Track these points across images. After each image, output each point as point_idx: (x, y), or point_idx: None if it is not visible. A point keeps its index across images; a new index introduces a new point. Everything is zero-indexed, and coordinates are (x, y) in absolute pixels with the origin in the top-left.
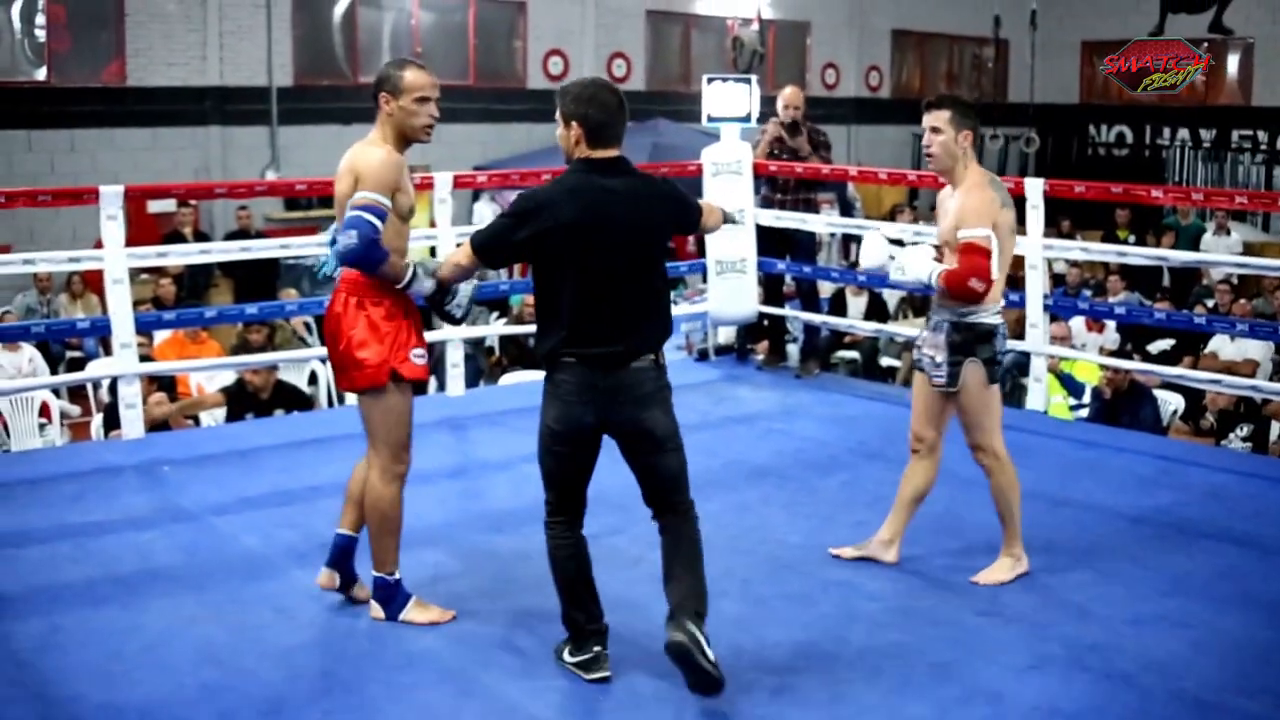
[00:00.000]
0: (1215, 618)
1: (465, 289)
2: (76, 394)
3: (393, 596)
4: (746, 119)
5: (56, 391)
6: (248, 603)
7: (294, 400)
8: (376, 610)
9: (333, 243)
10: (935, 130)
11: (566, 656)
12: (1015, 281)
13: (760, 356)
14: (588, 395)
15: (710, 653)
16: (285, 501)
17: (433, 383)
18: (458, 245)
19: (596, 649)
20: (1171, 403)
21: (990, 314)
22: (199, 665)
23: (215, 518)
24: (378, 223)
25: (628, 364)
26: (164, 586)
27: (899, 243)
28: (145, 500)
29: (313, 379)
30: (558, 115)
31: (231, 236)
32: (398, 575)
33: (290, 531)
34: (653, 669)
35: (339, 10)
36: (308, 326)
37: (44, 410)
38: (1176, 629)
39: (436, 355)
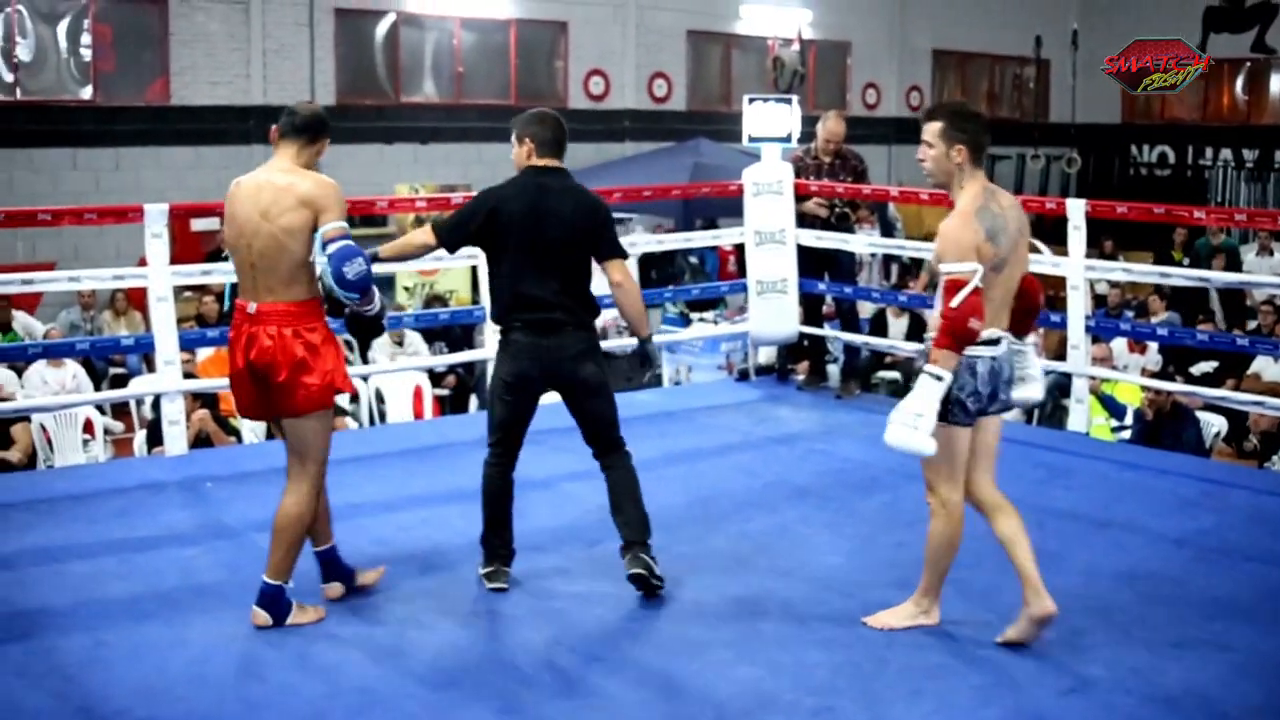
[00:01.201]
0: (1258, 641)
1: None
2: (120, 410)
3: (281, 603)
4: (787, 139)
5: (100, 408)
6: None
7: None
8: (262, 617)
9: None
10: (927, 144)
11: (478, 568)
12: (1056, 302)
13: (801, 377)
14: (534, 353)
15: (658, 571)
16: None
17: (473, 400)
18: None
19: (498, 565)
20: (1214, 424)
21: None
22: (241, 681)
23: (257, 534)
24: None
25: (564, 328)
26: (207, 602)
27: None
28: (188, 516)
29: (354, 397)
30: (513, 138)
31: None
32: (291, 584)
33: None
34: (691, 688)
35: (381, 30)
36: (349, 344)
37: (87, 426)
38: (1219, 652)
39: (477, 375)
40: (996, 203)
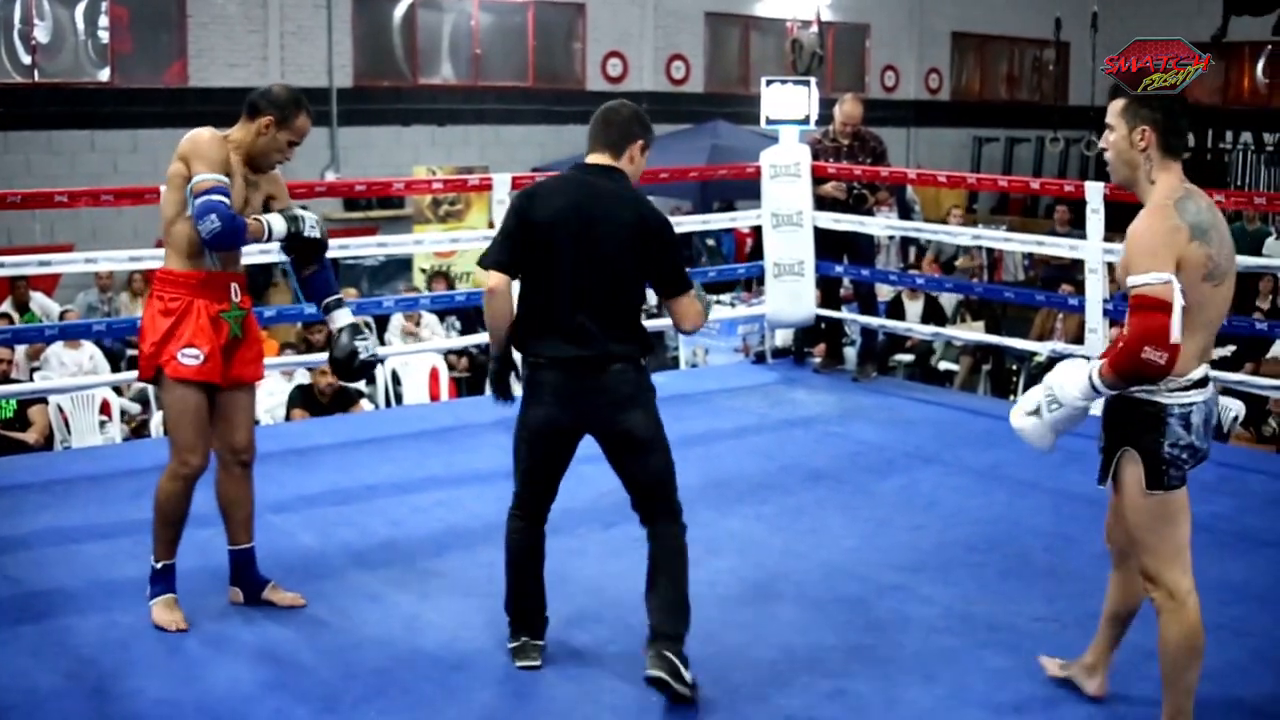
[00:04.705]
0: (1275, 626)
1: (308, 215)
2: (140, 392)
3: (153, 583)
4: (805, 121)
5: (118, 389)
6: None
7: (350, 406)
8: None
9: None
10: (1109, 127)
11: (508, 641)
12: (1077, 286)
13: (817, 359)
14: (565, 397)
15: (688, 676)
16: (342, 500)
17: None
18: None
19: (526, 639)
20: (1232, 409)
21: (1162, 390)
22: (255, 662)
23: (273, 516)
24: (226, 199)
25: (606, 367)
26: (222, 583)
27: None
28: (204, 498)
29: (370, 379)
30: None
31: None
32: (159, 565)
33: (347, 530)
34: (706, 670)
35: (399, 12)
36: (368, 326)
37: (104, 408)
38: (1236, 637)
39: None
40: (1199, 199)
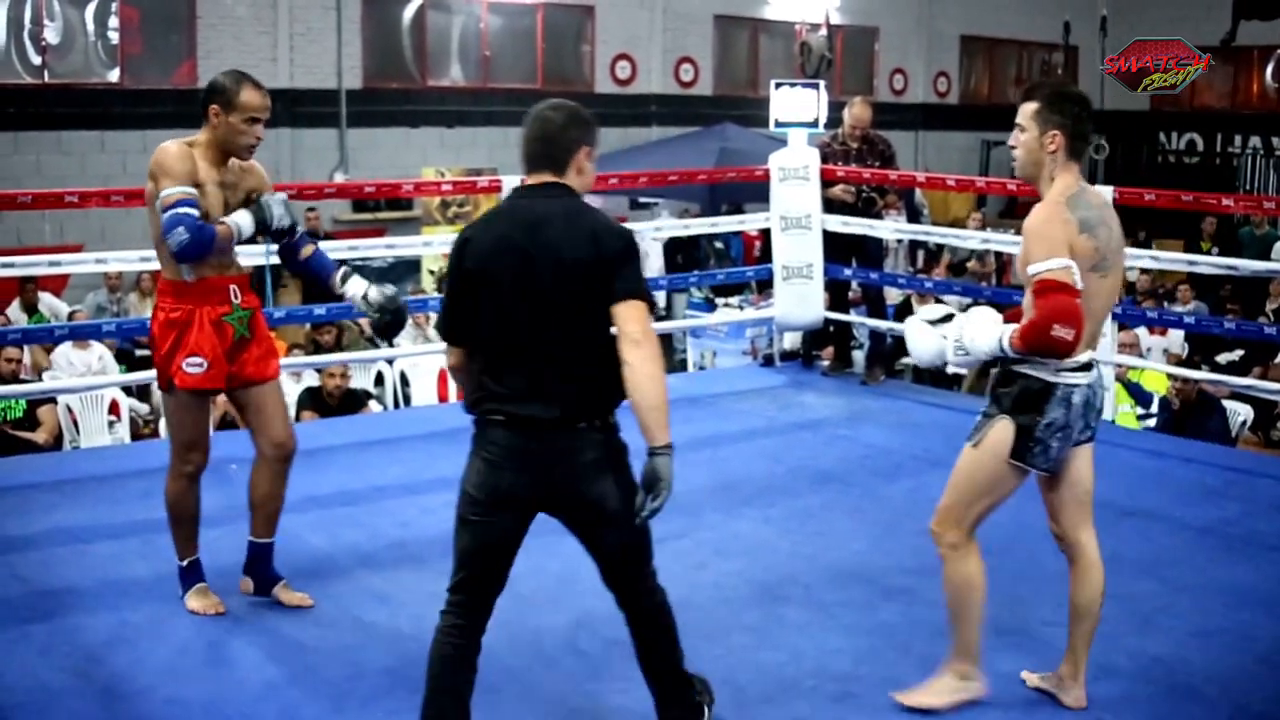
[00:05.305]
0: None
1: (273, 202)
2: (145, 392)
3: (183, 580)
4: (814, 124)
5: (127, 390)
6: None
7: (359, 409)
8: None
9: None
10: (1019, 128)
11: None
12: None
13: (826, 362)
14: (519, 461)
15: None
16: (350, 501)
17: None
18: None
19: None
20: (1240, 413)
21: (1050, 368)
22: (263, 662)
23: (282, 516)
24: (194, 210)
25: (568, 426)
26: (230, 583)
27: (946, 319)
28: (212, 498)
29: (379, 380)
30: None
31: None
32: (184, 563)
33: (355, 531)
34: (713, 673)
35: (408, 14)
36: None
37: (113, 408)
38: (1243, 642)
39: None
40: (1092, 197)
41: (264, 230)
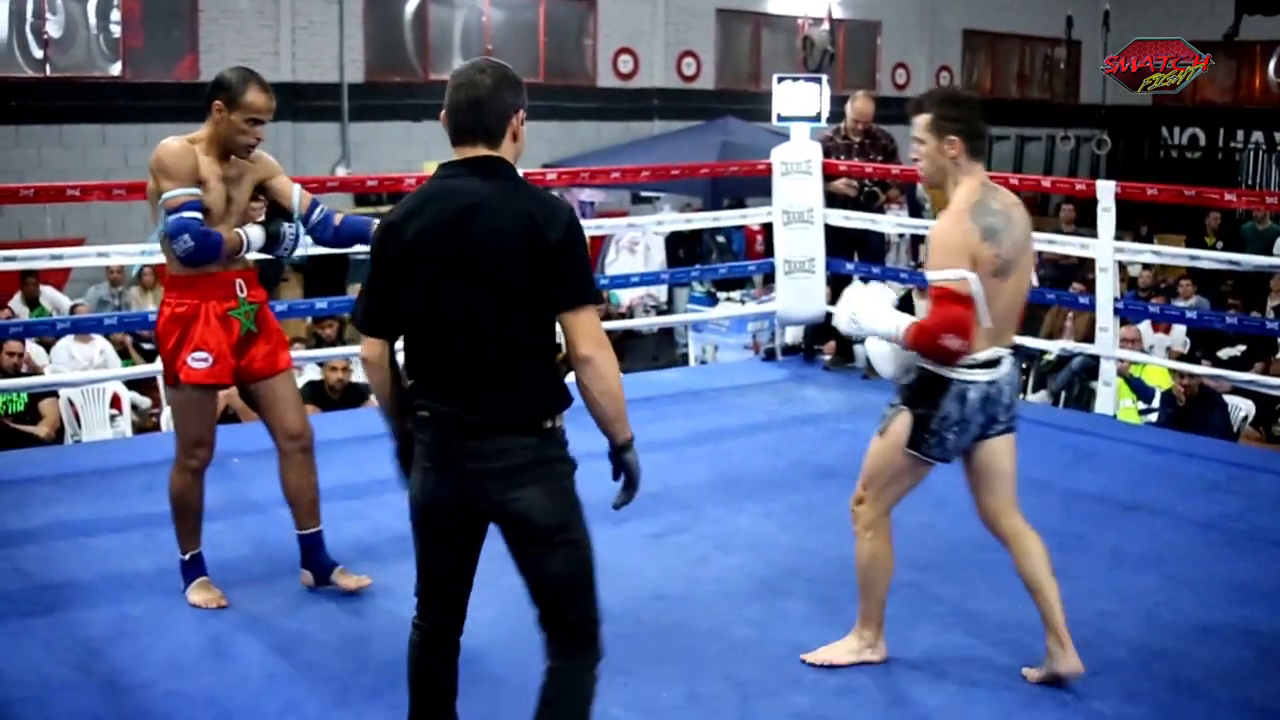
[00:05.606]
0: None
1: (289, 232)
2: (147, 386)
3: (184, 573)
4: (816, 118)
5: (128, 383)
6: (315, 595)
7: (361, 402)
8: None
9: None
10: (917, 141)
11: None
12: (1087, 284)
13: (827, 357)
14: (442, 463)
15: None
16: (352, 495)
17: None
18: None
19: None
20: (1242, 408)
21: (950, 367)
22: (265, 656)
23: (283, 510)
24: (198, 214)
25: (492, 427)
26: (232, 577)
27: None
28: (215, 492)
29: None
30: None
31: None
32: (187, 556)
33: (357, 524)
34: (715, 667)
35: (410, 7)
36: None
37: (115, 401)
38: (1245, 637)
39: None
40: (997, 199)
41: (269, 249)
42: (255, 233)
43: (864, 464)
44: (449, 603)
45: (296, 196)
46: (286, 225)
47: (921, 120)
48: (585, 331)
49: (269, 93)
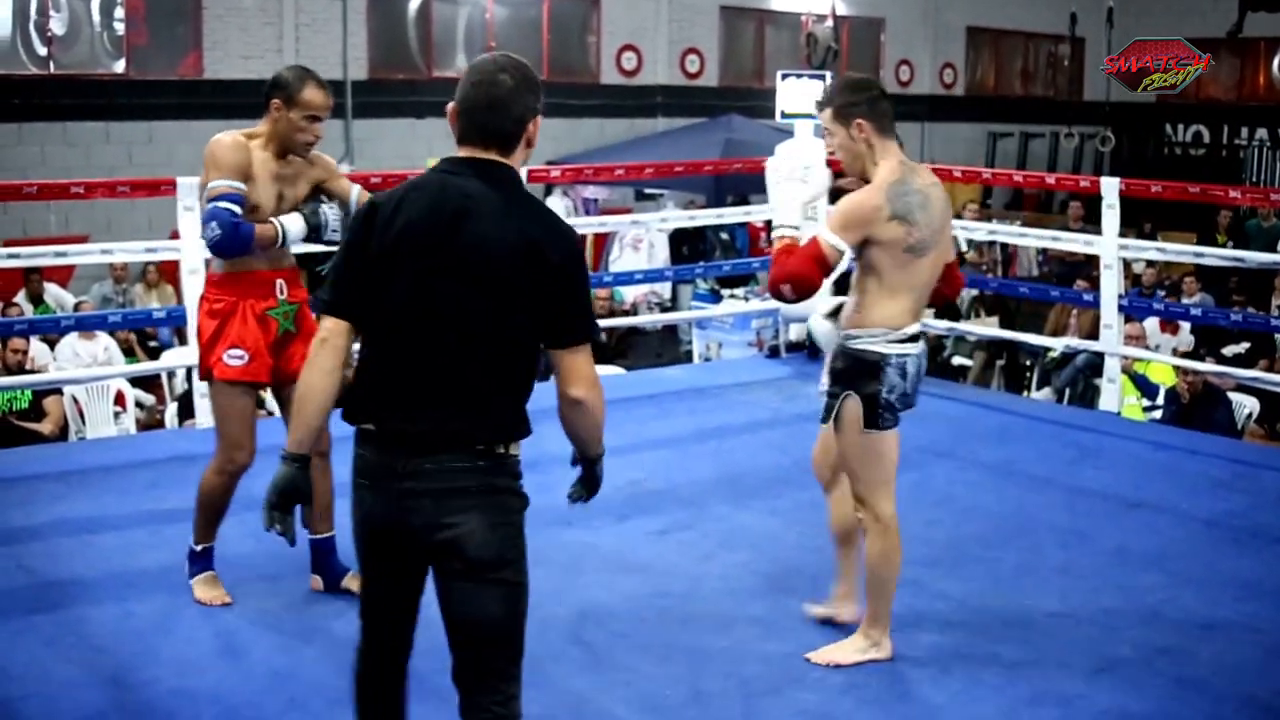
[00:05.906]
0: None
1: (330, 214)
2: (151, 383)
3: (192, 563)
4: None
5: (132, 380)
6: (321, 594)
7: None
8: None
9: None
10: (828, 133)
11: None
12: (1092, 282)
13: None
14: (377, 483)
15: None
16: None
17: None
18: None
19: None
20: (1246, 405)
21: (881, 341)
22: (270, 653)
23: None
24: (234, 206)
25: (433, 448)
26: (236, 574)
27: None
28: None
29: None
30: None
31: None
32: (199, 548)
33: None
34: (719, 664)
35: (414, 4)
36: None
37: (119, 399)
38: (1249, 634)
39: None
40: (917, 179)
41: (315, 238)
42: (294, 223)
43: (843, 465)
44: (390, 629)
45: (354, 197)
46: (325, 207)
47: (826, 115)
48: (581, 373)
49: (326, 90)
